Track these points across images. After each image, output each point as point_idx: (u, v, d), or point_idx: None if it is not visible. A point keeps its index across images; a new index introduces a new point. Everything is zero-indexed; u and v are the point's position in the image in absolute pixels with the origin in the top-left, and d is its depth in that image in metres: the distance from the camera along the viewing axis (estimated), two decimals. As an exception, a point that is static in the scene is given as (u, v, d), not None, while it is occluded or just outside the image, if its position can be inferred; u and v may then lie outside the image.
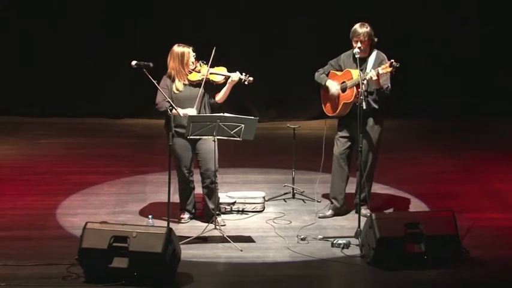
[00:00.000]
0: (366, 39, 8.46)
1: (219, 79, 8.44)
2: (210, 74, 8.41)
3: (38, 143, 12.10)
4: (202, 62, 8.46)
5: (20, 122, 13.31)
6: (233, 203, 8.98)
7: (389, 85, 8.48)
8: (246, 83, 8.44)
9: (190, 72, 8.44)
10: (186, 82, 8.45)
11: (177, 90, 8.42)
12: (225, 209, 8.90)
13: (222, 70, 8.47)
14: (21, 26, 13.42)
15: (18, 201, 9.32)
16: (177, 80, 8.43)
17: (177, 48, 8.41)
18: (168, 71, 8.46)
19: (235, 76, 8.40)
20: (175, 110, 8.18)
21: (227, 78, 8.42)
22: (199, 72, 8.43)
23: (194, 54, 8.43)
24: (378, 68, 8.29)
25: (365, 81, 8.29)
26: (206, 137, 8.15)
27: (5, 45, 13.42)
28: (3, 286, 6.97)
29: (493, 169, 10.76)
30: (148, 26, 13.47)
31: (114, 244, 7.05)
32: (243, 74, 8.42)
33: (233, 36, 13.22)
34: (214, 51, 8.28)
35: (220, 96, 8.54)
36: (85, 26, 13.46)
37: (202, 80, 8.38)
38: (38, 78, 13.44)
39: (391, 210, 9.09)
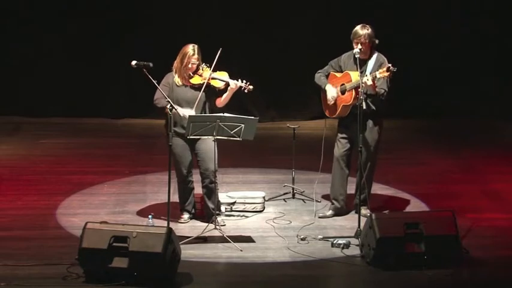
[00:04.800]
0: (367, 41, 8.46)
1: (219, 84, 8.44)
2: (212, 78, 8.41)
3: (38, 143, 12.10)
4: (205, 65, 8.46)
5: (20, 122, 13.31)
6: (233, 203, 8.98)
7: (385, 89, 8.48)
8: (245, 91, 8.44)
9: (193, 76, 8.45)
10: (188, 84, 8.45)
11: (178, 83, 8.45)
12: (226, 209, 8.90)
13: (224, 75, 8.47)
14: (21, 26, 13.42)
15: (18, 201, 9.32)
16: (177, 75, 8.46)
17: (185, 48, 8.42)
18: (174, 64, 8.48)
19: (235, 84, 8.40)
20: (175, 109, 8.18)
21: (228, 84, 8.42)
22: (201, 75, 8.44)
23: (197, 59, 8.38)
24: (375, 72, 8.30)
25: (364, 84, 8.30)
26: (206, 136, 8.16)
27: (5, 46, 13.42)
28: (3, 286, 6.97)
29: (493, 169, 10.76)
30: (149, 26, 13.48)
31: (114, 244, 7.04)
32: (244, 81, 8.42)
33: (233, 37, 13.22)
34: (218, 55, 8.28)
35: (220, 102, 8.54)
36: (85, 26, 13.47)
37: (203, 84, 8.38)
38: (38, 78, 13.44)
39: (391, 210, 9.08)
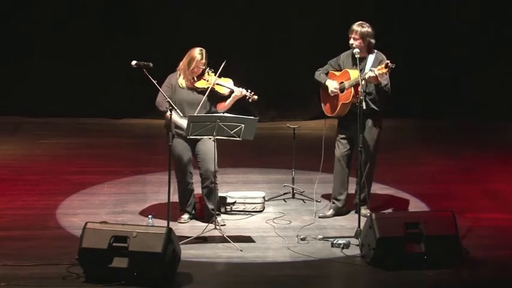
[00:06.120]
0: (358, 37, 8.46)
1: (224, 91, 8.46)
2: (216, 84, 8.42)
3: (38, 143, 12.10)
4: (210, 71, 8.47)
5: (20, 122, 13.31)
6: (233, 203, 8.98)
7: (388, 83, 8.48)
8: (250, 100, 8.47)
9: (198, 79, 8.45)
10: (192, 87, 8.46)
11: (181, 85, 8.45)
12: (226, 209, 8.90)
13: (228, 82, 8.49)
14: (21, 26, 13.42)
15: (18, 201, 9.31)
16: (181, 77, 8.47)
17: (192, 51, 8.42)
18: (179, 66, 8.47)
19: (240, 92, 8.42)
20: (176, 110, 8.17)
21: (232, 91, 8.44)
22: (206, 80, 8.45)
23: (204, 63, 8.39)
24: (373, 69, 8.30)
25: (363, 82, 8.30)
26: (206, 137, 8.15)
27: (6, 46, 13.43)
28: (3, 286, 6.97)
29: (493, 169, 10.76)
30: (149, 26, 13.48)
31: (114, 244, 7.04)
32: (248, 91, 8.44)
33: (233, 36, 13.23)
34: (224, 64, 8.30)
35: (222, 107, 8.54)
36: (85, 26, 13.47)
37: (207, 88, 8.39)
38: (38, 78, 13.45)
39: (391, 210, 9.09)
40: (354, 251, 7.85)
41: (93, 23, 13.50)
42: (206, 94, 8.38)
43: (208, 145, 8.39)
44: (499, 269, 7.60)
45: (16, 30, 13.43)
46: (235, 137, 8.06)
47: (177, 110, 8.22)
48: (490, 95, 13.58)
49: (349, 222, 8.64)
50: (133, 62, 8.12)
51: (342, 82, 8.60)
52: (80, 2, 13.48)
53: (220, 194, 8.75)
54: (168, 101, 8.14)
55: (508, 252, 7.97)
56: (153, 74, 8.04)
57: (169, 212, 8.06)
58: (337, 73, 8.70)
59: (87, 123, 13.33)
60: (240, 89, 8.44)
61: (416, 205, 9.30)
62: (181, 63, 8.48)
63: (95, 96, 13.54)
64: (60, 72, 13.42)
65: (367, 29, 8.49)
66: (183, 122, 8.24)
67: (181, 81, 8.47)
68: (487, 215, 8.99)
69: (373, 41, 8.53)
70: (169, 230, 7.11)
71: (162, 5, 13.48)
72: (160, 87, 8.26)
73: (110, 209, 9.08)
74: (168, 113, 8.16)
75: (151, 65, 8.08)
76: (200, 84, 8.46)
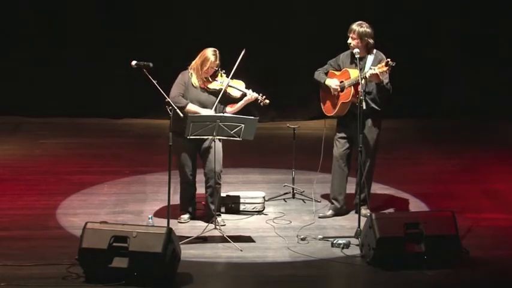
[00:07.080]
0: (356, 36, 8.46)
1: (236, 93, 8.46)
2: (229, 86, 8.42)
3: (38, 143, 12.10)
4: (222, 72, 8.47)
5: (20, 122, 13.32)
6: (233, 203, 8.98)
7: (389, 81, 8.48)
8: (261, 104, 8.48)
9: (210, 80, 8.45)
10: (204, 87, 8.46)
11: (194, 84, 8.46)
12: (228, 206, 8.90)
13: (240, 85, 8.49)
14: (21, 27, 13.42)
15: (18, 201, 9.32)
16: (194, 76, 8.47)
17: (206, 52, 8.42)
18: (191, 64, 8.48)
19: (252, 95, 8.43)
20: (175, 108, 8.16)
21: (244, 94, 8.44)
22: (218, 81, 8.44)
23: (217, 64, 8.40)
24: (373, 67, 8.30)
25: (363, 81, 8.30)
26: (209, 137, 8.15)
27: (5, 46, 13.42)
28: (3, 286, 6.97)
29: (493, 169, 10.76)
30: (149, 26, 13.48)
31: (114, 244, 7.04)
32: (260, 94, 8.44)
33: (233, 36, 13.22)
34: (237, 64, 8.29)
35: (232, 109, 8.54)
36: (85, 26, 13.47)
37: (219, 89, 8.39)
38: (38, 78, 13.45)
39: (391, 210, 9.09)
40: (354, 251, 7.85)
41: (93, 22, 13.50)
42: (219, 96, 8.37)
43: (213, 145, 8.38)
44: (499, 269, 7.60)
45: (16, 30, 13.43)
46: (235, 137, 8.06)
47: (177, 109, 8.20)
48: (490, 95, 13.58)
49: (349, 222, 8.64)
50: (133, 62, 8.11)
51: (342, 81, 8.60)
52: (80, 2, 13.48)
53: (222, 194, 8.76)
54: (168, 101, 8.11)
55: (508, 252, 7.97)
56: (153, 74, 8.04)
57: (169, 212, 8.06)
58: (337, 72, 8.71)
59: (87, 123, 13.33)
60: (252, 92, 8.44)
61: (416, 205, 9.30)
62: (193, 62, 8.48)
63: (95, 96, 13.55)
64: (60, 72, 13.42)
65: (365, 29, 8.49)
66: (204, 112, 8.27)
67: (195, 81, 8.46)
68: (487, 215, 8.99)
69: (371, 41, 8.52)
70: (169, 230, 7.10)
71: (162, 5, 13.49)
72: (160, 87, 8.23)
73: (110, 209, 9.08)
74: (180, 109, 8.16)
75: (151, 65, 8.08)
76: (212, 84, 8.45)
